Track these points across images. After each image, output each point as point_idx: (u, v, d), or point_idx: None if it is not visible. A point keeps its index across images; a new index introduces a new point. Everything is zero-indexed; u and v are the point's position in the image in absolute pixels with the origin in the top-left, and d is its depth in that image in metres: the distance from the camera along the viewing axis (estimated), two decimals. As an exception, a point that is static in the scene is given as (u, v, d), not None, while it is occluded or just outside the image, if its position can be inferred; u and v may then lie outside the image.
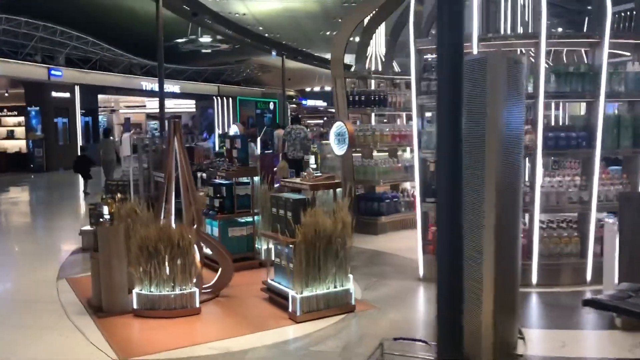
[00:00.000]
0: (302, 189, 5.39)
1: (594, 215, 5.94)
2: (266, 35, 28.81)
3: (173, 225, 5.33)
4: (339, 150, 5.58)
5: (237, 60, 35.46)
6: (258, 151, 15.02)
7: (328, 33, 27.51)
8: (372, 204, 8.85)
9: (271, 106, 37.84)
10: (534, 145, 5.82)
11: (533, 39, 5.95)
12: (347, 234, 5.23)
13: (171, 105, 29.88)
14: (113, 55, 26.63)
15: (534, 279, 5.95)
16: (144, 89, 28.43)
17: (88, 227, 8.30)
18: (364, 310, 5.36)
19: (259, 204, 7.00)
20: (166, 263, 5.22)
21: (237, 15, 24.33)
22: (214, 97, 34.12)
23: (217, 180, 7.00)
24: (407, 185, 9.67)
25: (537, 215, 5.89)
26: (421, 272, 6.32)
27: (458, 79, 2.74)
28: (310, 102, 50.24)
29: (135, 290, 5.32)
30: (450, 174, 2.79)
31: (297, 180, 5.50)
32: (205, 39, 24.17)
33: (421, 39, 6.10)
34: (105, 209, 5.34)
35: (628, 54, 6.76)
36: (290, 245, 5.23)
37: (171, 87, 28.52)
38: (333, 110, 38.53)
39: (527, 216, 5.96)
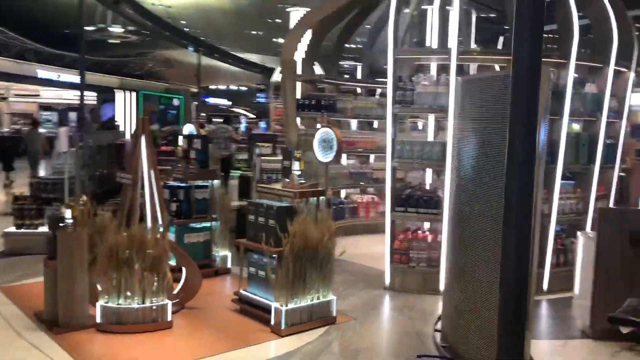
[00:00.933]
0: (284, 196, 5.16)
1: (552, 227, 6.20)
2: (186, 29, 27.80)
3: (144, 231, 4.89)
4: (323, 157, 5.40)
5: (139, 52, 33.93)
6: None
7: (246, 31, 27.03)
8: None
9: (175, 102, 36.52)
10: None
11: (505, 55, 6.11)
12: (333, 244, 5.09)
13: (71, 96, 27.94)
14: (5, 37, 24.43)
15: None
16: (40, 77, 26.31)
17: (13, 229, 7.52)
18: (345, 322, 5.23)
19: (217, 209, 6.66)
20: (137, 273, 4.78)
21: (153, 5, 23.23)
22: (116, 90, 32.35)
23: (173, 183, 6.56)
24: (350, 191, 9.66)
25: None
26: (387, 281, 6.28)
27: (535, 94, 2.69)
28: (212, 100, 49.23)
29: (100, 303, 4.83)
30: (521, 190, 2.73)
31: (278, 186, 5.25)
32: (116, 29, 22.83)
33: (398, 48, 6.08)
34: (68, 212, 4.79)
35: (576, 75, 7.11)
36: (274, 255, 4.99)
37: (71, 77, 26.65)
38: (237, 110, 37.87)
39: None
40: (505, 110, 3.04)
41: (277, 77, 17.11)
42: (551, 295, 6.15)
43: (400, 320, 5.51)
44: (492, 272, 3.85)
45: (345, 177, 9.11)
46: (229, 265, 6.76)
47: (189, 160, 6.61)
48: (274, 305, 4.91)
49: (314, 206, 5.23)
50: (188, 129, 7.83)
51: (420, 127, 7.93)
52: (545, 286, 6.23)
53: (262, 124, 33.50)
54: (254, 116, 50.80)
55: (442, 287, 6.06)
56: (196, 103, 43.22)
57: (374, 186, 9.51)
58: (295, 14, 16.58)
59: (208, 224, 6.59)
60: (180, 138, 7.10)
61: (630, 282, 4.74)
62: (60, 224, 4.81)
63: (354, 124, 10.05)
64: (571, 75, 6.00)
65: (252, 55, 35.69)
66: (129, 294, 4.81)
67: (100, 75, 31.70)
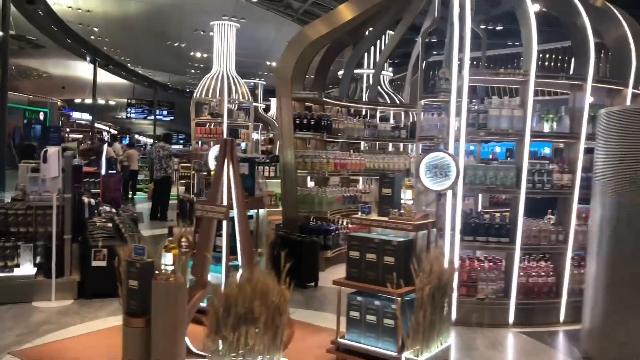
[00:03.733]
0: (401, 229, 4.56)
1: (569, 253, 6.02)
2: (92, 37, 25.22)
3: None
4: (434, 185, 4.88)
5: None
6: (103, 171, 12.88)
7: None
8: (318, 237, 8.11)
9: (41, 116, 33.01)
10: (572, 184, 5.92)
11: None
12: (452, 280, 4.59)
13: None
14: None
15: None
16: None
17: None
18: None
19: (261, 242, 5.81)
20: (258, 327, 3.90)
21: (69, 8, 20.80)
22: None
23: (214, 213, 5.59)
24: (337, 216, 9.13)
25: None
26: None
27: None
28: (77, 115, 45.48)
29: (208, 369, 3.86)
30: None
31: (386, 218, 4.63)
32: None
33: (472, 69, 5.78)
34: (169, 258, 3.75)
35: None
36: (398, 298, 4.37)
37: None
38: (100, 126, 35.25)
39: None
40: None
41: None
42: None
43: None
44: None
45: (340, 201, 8.59)
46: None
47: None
48: (405, 355, 4.28)
49: (424, 239, 4.69)
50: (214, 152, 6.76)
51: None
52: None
53: (125, 140, 31.56)
54: (115, 131, 47.79)
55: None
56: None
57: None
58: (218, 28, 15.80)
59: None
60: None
61: None
62: (156, 272, 3.80)
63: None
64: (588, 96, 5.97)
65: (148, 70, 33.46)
66: (245, 354, 3.90)
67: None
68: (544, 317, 6.00)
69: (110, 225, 6.94)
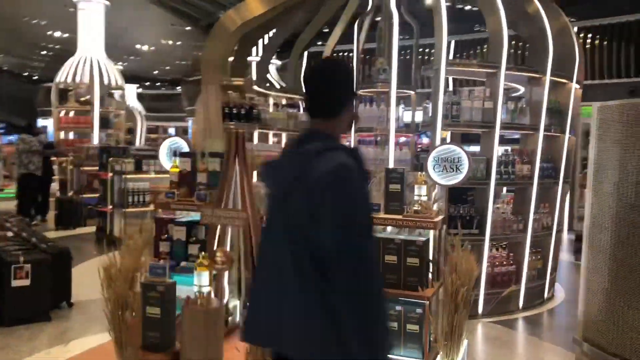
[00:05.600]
0: (421, 227, 4.25)
1: (528, 242, 6.23)
2: None
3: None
4: (443, 179, 4.63)
5: None
6: None
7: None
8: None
9: None
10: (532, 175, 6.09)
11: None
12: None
13: None
14: None
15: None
16: None
17: None
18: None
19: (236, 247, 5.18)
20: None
21: None
22: None
23: (184, 217, 4.86)
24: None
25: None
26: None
27: None
28: None
29: (251, 405, 3.27)
30: None
31: (399, 216, 4.30)
32: None
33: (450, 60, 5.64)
34: (205, 278, 3.02)
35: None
36: (426, 302, 4.10)
37: None
38: None
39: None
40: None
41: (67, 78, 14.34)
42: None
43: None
44: None
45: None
46: (237, 318, 5.31)
47: (189, 186, 4.98)
48: (438, 362, 4.04)
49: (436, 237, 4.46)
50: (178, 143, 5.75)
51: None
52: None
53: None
54: None
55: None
56: None
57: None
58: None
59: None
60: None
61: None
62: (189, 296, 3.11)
63: (255, 137, 8.98)
64: (546, 89, 6.39)
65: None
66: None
67: None
68: (506, 305, 6.13)
69: (25, 234, 5.77)
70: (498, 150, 5.86)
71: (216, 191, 4.76)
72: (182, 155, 4.99)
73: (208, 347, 3.11)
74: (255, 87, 7.97)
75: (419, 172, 4.44)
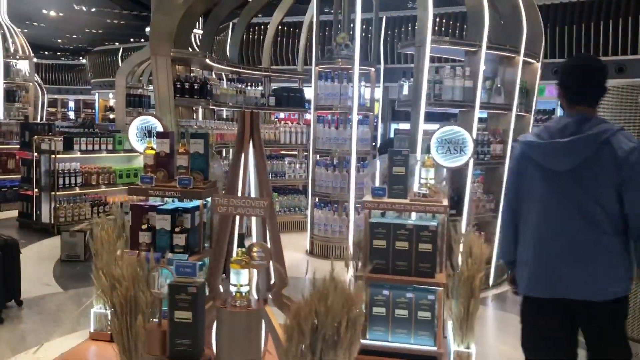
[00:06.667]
0: (430, 212, 4.06)
1: (499, 220, 6.50)
2: None
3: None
4: (447, 161, 4.45)
5: None
6: None
7: None
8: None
9: None
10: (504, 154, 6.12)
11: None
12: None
13: None
14: None
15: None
16: None
17: None
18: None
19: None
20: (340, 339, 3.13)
21: None
22: None
23: (165, 204, 4.39)
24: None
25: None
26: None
27: None
28: None
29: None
30: None
31: (406, 200, 4.10)
32: None
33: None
34: (244, 276, 2.62)
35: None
36: (440, 288, 3.97)
37: None
38: None
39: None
40: None
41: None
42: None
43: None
44: None
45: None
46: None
47: (167, 170, 4.51)
48: (454, 349, 3.94)
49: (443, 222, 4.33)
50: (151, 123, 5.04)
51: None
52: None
53: None
54: None
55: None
56: None
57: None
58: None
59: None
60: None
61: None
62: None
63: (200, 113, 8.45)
64: (519, 69, 6.46)
65: None
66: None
67: None
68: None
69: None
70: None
71: (200, 175, 4.40)
72: (159, 135, 4.53)
73: (249, 351, 2.78)
74: (208, 61, 7.44)
75: (426, 155, 4.27)
